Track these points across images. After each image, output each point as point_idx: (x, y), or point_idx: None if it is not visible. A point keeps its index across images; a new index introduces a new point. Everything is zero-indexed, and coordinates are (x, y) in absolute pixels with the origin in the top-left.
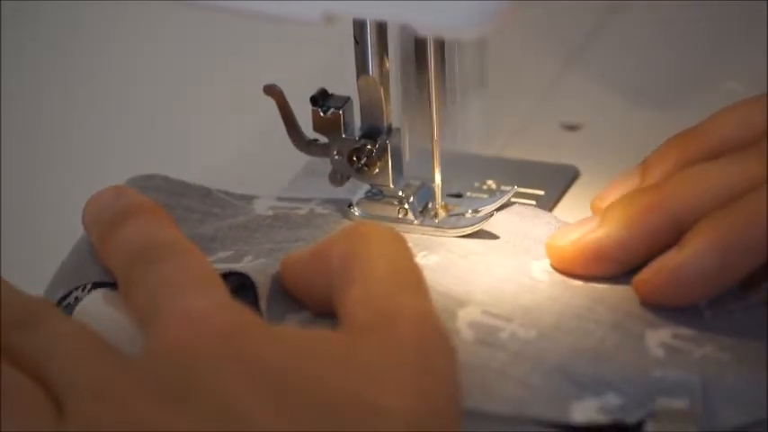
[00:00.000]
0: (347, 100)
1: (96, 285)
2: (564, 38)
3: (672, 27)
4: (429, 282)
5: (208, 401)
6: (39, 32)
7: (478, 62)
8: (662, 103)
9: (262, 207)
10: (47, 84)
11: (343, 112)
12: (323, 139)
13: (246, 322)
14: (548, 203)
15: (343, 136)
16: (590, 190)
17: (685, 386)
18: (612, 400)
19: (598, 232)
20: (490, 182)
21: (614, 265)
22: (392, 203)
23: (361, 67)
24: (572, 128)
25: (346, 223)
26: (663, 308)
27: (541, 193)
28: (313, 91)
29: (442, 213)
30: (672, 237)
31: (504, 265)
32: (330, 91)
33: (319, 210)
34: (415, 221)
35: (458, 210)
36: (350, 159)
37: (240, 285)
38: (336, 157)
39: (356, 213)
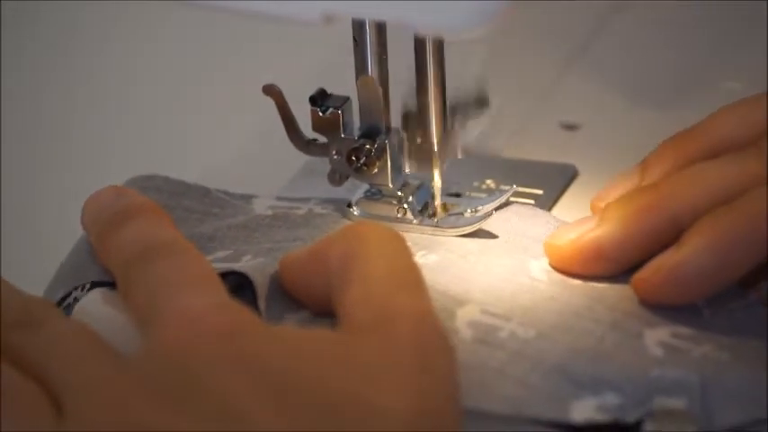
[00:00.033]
0: (346, 100)
1: (95, 285)
2: (564, 38)
3: (672, 27)
4: (428, 281)
5: (207, 401)
6: (39, 32)
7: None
8: (662, 103)
9: (261, 207)
10: (47, 84)
11: (343, 112)
12: (322, 139)
13: (245, 322)
14: (546, 203)
15: (342, 136)
16: (589, 189)
17: (684, 385)
18: (611, 399)
19: (597, 231)
20: (489, 181)
21: (613, 265)
22: (391, 203)
23: (361, 68)
24: (571, 128)
25: (345, 223)
26: (661, 307)
27: (540, 192)
28: (312, 91)
29: (440, 213)
30: (671, 236)
31: (502, 264)
32: (329, 91)
33: (318, 209)
34: (414, 221)
35: (457, 209)
36: (349, 159)
37: (239, 285)
38: (335, 156)
39: (355, 213)
